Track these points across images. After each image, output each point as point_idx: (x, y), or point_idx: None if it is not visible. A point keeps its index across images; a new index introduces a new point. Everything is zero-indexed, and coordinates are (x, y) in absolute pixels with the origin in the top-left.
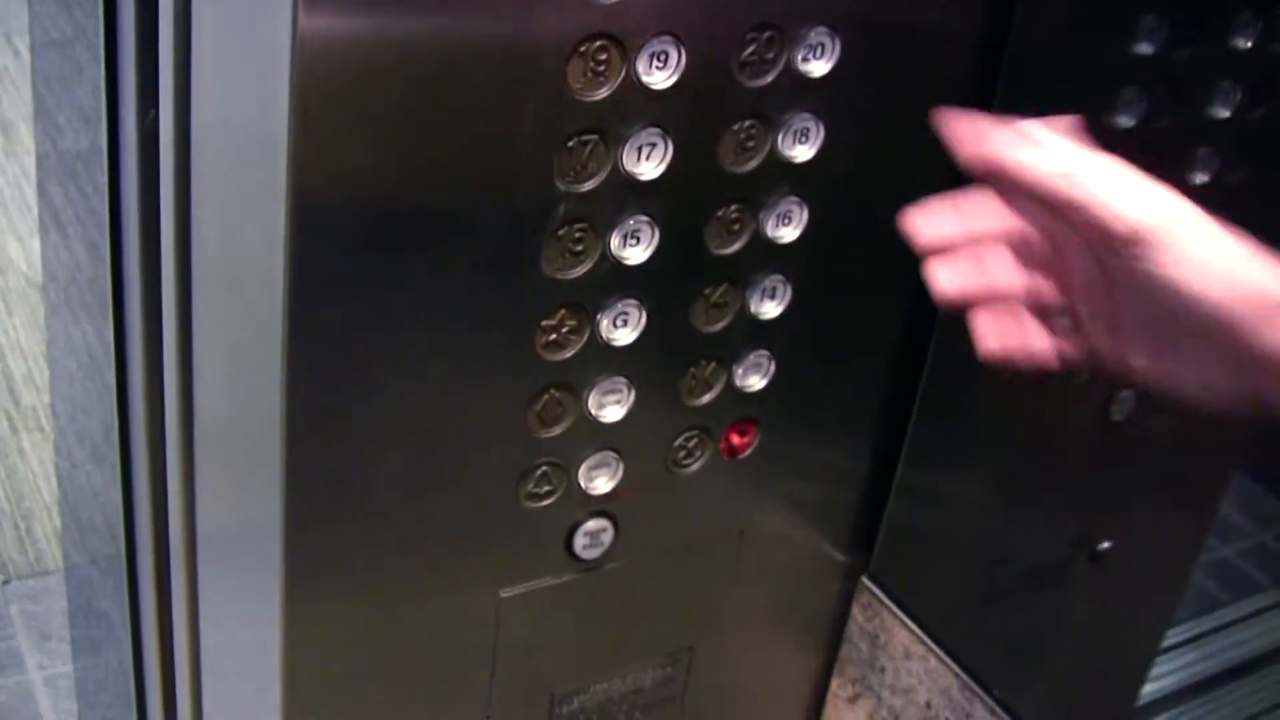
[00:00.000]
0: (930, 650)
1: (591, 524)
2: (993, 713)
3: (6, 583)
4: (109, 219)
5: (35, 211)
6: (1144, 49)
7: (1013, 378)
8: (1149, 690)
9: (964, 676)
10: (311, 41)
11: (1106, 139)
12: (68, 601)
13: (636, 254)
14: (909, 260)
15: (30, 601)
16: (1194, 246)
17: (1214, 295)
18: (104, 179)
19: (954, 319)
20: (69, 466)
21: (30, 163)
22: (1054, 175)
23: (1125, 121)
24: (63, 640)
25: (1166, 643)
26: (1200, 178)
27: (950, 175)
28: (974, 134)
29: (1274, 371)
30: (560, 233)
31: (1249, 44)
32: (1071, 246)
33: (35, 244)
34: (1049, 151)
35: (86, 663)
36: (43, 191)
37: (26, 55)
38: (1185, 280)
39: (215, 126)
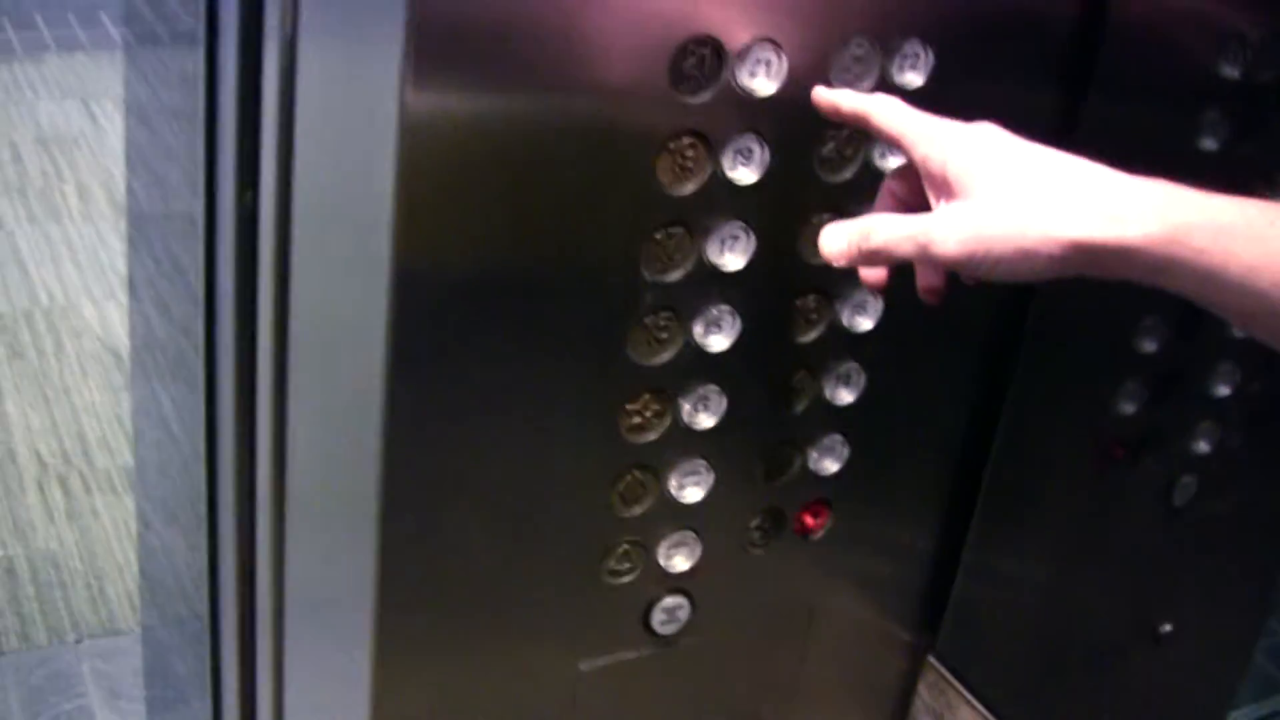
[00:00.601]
0: None
1: (669, 600)
2: None
3: (79, 642)
4: (204, 290)
5: (109, 276)
6: (1230, 72)
7: (1077, 462)
8: None
9: None
10: (416, 123)
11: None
12: (143, 661)
13: (718, 341)
14: (977, 353)
15: (102, 660)
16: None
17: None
18: (199, 251)
19: (1018, 409)
20: (148, 530)
21: (106, 227)
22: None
23: (1210, 144)
24: (133, 699)
25: None
26: None
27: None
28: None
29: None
30: (646, 320)
31: None
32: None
33: (110, 308)
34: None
35: None
36: (133, 258)
37: (104, 121)
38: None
39: (316, 204)
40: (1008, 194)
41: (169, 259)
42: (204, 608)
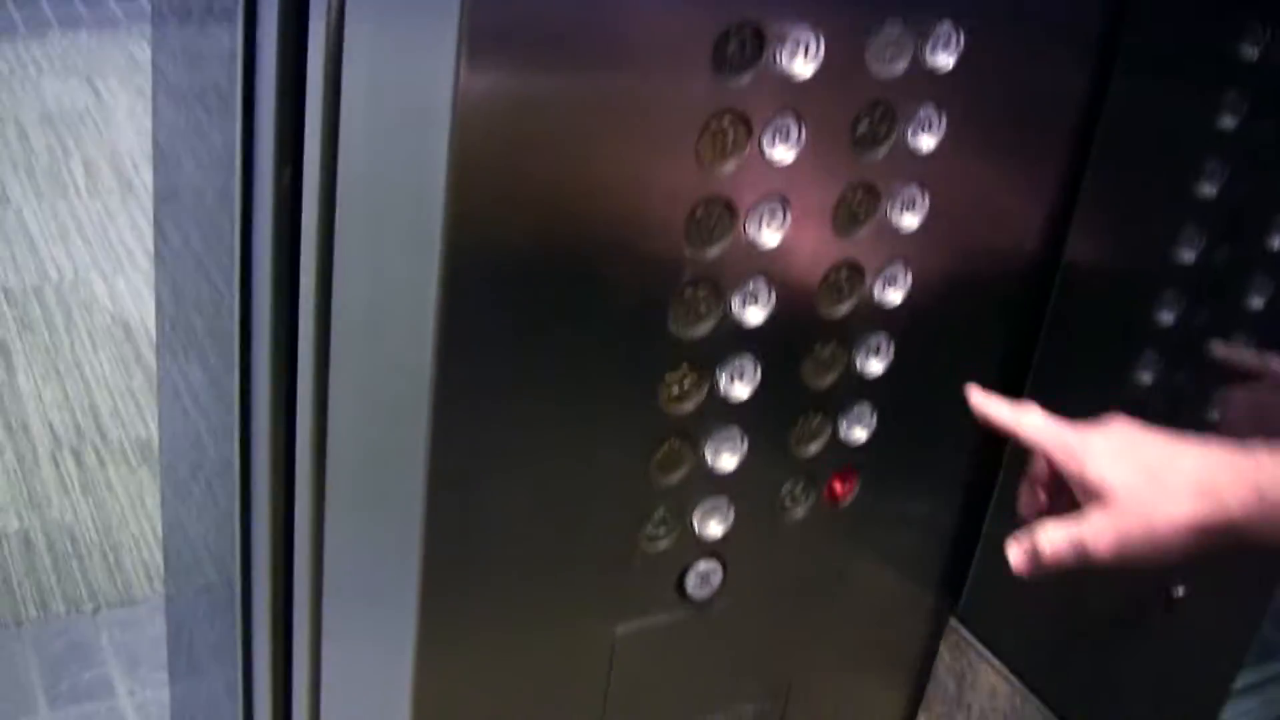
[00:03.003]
0: (1015, 688)
1: (703, 565)
2: None
3: (97, 611)
4: (239, 264)
5: (118, 250)
6: (1249, 53)
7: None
8: None
9: (1048, 713)
10: (470, 102)
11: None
12: (167, 629)
13: (754, 314)
14: (1002, 326)
15: (120, 630)
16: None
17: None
18: (235, 227)
19: (1042, 377)
20: (175, 500)
21: (113, 202)
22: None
23: (1228, 123)
24: (153, 667)
25: (1236, 686)
26: None
27: (1043, 233)
28: (985, 405)
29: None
30: (686, 294)
31: None
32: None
33: (119, 282)
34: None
35: (181, 690)
36: (160, 232)
37: (108, 97)
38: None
39: (363, 181)
40: (1136, 494)
41: (198, 233)
42: (236, 576)
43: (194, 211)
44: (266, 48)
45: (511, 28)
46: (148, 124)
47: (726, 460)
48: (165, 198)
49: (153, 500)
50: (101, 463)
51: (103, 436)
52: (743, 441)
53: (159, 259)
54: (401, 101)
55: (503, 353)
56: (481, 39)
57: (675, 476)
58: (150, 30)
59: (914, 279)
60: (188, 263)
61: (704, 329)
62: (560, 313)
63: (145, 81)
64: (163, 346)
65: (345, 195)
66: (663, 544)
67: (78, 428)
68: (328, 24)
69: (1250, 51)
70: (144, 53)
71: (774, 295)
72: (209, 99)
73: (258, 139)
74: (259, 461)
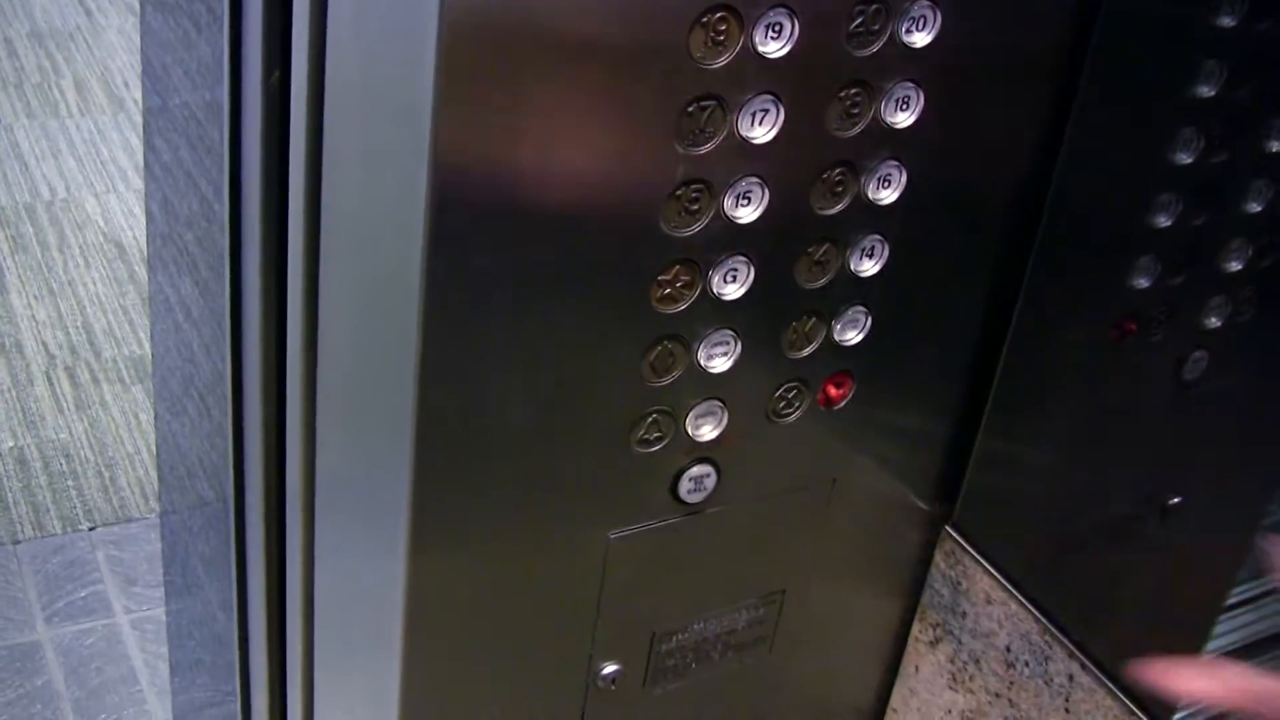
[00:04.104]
0: (1011, 595)
1: (696, 469)
2: (1070, 655)
3: (93, 529)
4: (229, 173)
5: (109, 169)
6: (1226, 21)
7: (1091, 337)
8: (1214, 646)
9: (1044, 620)
10: (456, 9)
11: (1192, 108)
12: (162, 546)
13: (747, 213)
14: (997, 226)
15: (115, 548)
16: None
17: None
18: (224, 136)
19: (1036, 285)
20: (168, 416)
21: (105, 121)
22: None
23: (1205, 91)
24: (148, 585)
25: (1229, 600)
26: None
27: (1038, 141)
28: (1168, 674)
29: None
30: (678, 193)
31: None
32: None
33: (112, 200)
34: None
35: (177, 606)
36: (150, 147)
37: (99, 16)
38: None
39: (352, 88)
40: None
41: (188, 147)
42: (229, 489)
43: (183, 125)
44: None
45: None
46: (138, 42)
47: (719, 363)
48: (154, 112)
49: (147, 418)
50: (95, 381)
51: (96, 354)
52: (735, 343)
53: (149, 174)
54: (389, 8)
55: (492, 253)
56: None
57: (668, 379)
58: None
59: (908, 178)
60: (177, 176)
61: (695, 228)
62: (550, 210)
63: None
64: (154, 261)
65: (334, 99)
66: (656, 448)
67: (71, 346)
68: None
69: (1228, 20)
70: None
71: (766, 194)
72: (197, 10)
73: (245, 47)
74: (250, 372)
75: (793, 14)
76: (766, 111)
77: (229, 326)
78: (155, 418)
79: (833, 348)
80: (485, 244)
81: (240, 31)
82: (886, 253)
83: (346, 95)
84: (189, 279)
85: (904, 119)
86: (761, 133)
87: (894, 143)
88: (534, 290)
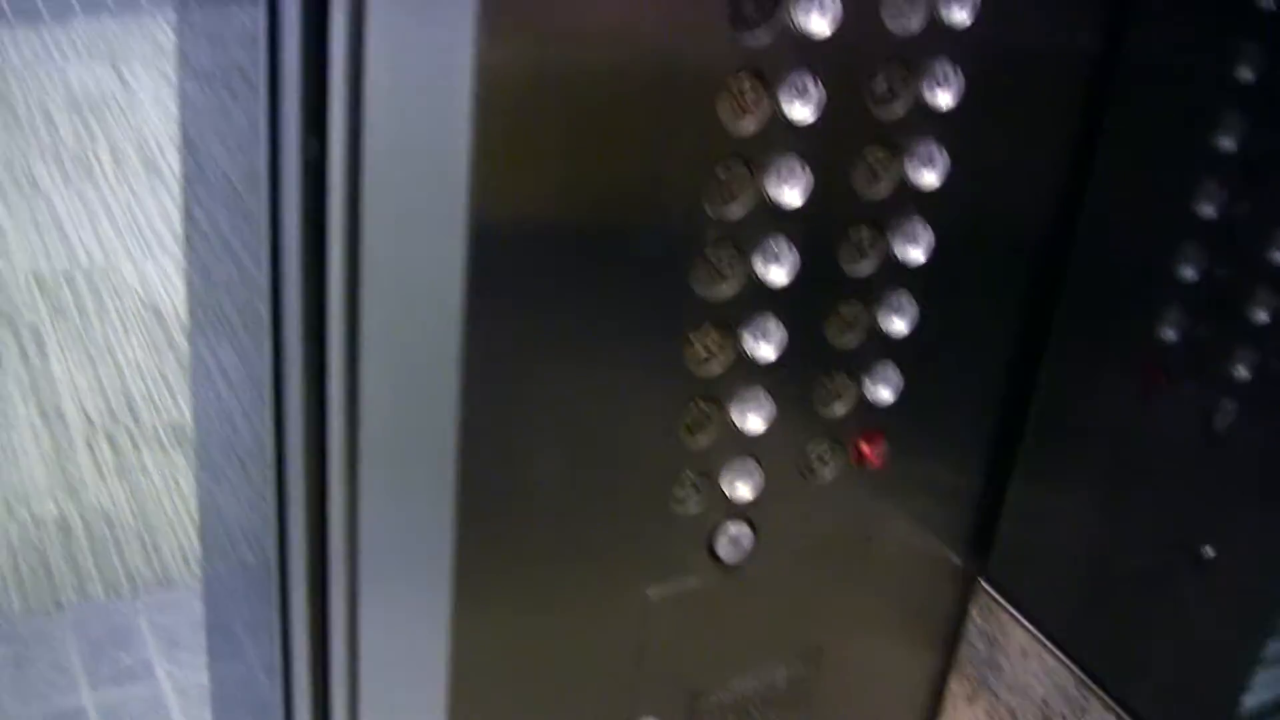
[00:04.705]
0: (1046, 648)
1: (733, 528)
2: (1107, 707)
3: (136, 595)
4: (268, 242)
5: (146, 235)
6: (1245, 75)
7: (1120, 389)
8: (1251, 701)
9: (1080, 673)
10: (490, 73)
11: (1213, 158)
12: (205, 611)
13: (777, 274)
14: (1023, 281)
15: (158, 613)
16: None
17: None
18: (262, 203)
19: (1064, 339)
20: (210, 481)
21: (140, 187)
22: None
23: (1227, 145)
24: (191, 650)
25: (1266, 653)
26: None
27: (1062, 195)
28: None
29: None
30: (709, 254)
31: None
32: None
33: (149, 267)
34: None
35: (220, 671)
36: (189, 215)
37: (133, 82)
38: None
39: (387, 152)
40: None
41: (227, 215)
42: (272, 554)
43: (222, 193)
44: (289, 27)
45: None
46: (172, 109)
47: (754, 422)
48: (192, 181)
49: (187, 483)
50: (136, 446)
51: (136, 420)
52: (769, 402)
53: (188, 242)
54: (423, 70)
55: (529, 318)
56: (498, 7)
57: (703, 439)
58: (173, 14)
59: (935, 236)
60: (216, 244)
61: (727, 289)
62: (585, 276)
63: (169, 66)
64: (194, 329)
65: (371, 166)
66: (693, 506)
67: (111, 412)
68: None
69: (1247, 75)
70: (167, 37)
71: (796, 255)
72: (234, 81)
73: (283, 116)
74: (292, 438)
75: (816, 77)
76: (794, 173)
77: (270, 392)
78: (197, 483)
79: (865, 405)
80: (522, 306)
81: (278, 100)
82: (915, 312)
83: (384, 161)
84: (229, 345)
85: (929, 178)
86: (789, 194)
87: (920, 201)
88: (570, 352)
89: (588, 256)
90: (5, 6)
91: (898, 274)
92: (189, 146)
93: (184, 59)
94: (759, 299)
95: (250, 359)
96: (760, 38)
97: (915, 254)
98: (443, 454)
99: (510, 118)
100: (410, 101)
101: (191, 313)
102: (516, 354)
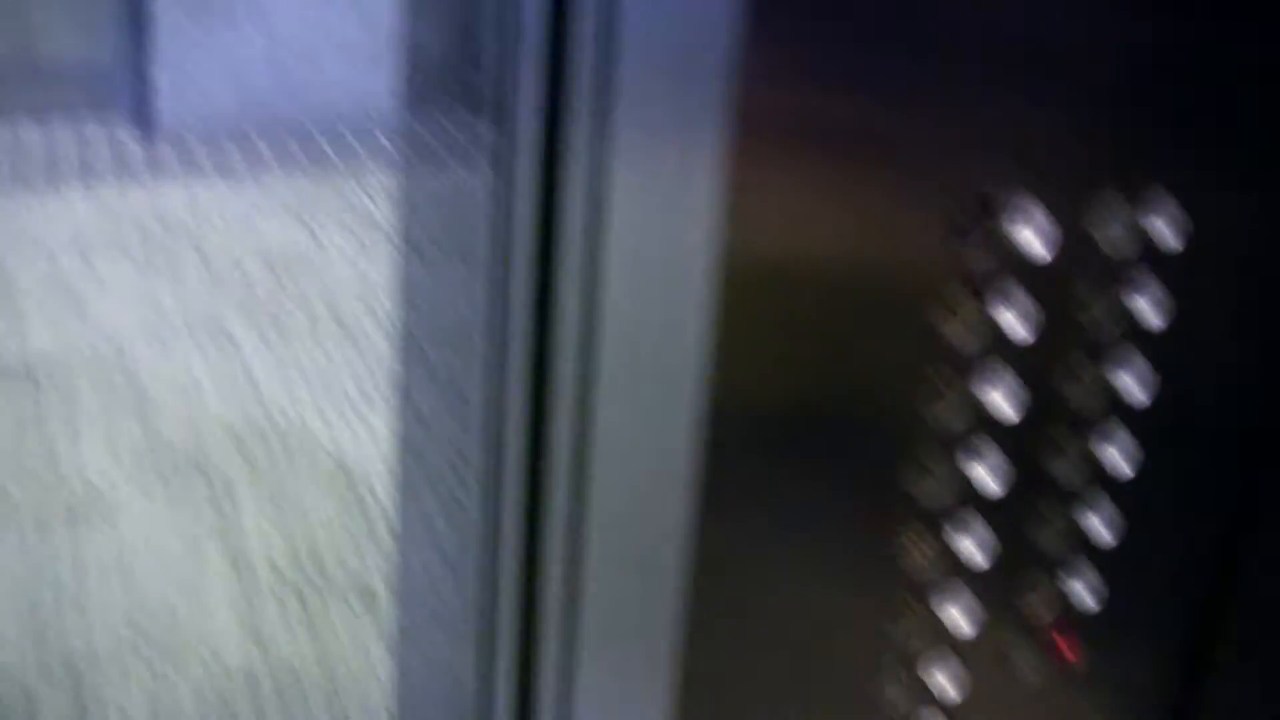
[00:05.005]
0: None
1: None
2: None
3: None
4: (486, 413)
5: (337, 393)
6: None
7: None
8: None
9: None
10: (729, 262)
11: None
12: None
13: (985, 479)
14: (1229, 488)
15: None
16: None
17: None
18: (479, 373)
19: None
20: (409, 644)
21: (332, 345)
22: None
23: None
24: None
25: None
26: None
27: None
28: None
29: None
30: (920, 455)
31: None
32: None
33: (340, 425)
34: None
35: None
36: (401, 379)
37: (325, 241)
38: None
39: (618, 336)
40: None
41: (442, 382)
42: None
43: (438, 357)
44: (522, 196)
45: (768, 194)
46: (363, 267)
47: (958, 618)
48: (407, 344)
49: (374, 642)
50: (324, 603)
51: (325, 577)
52: (976, 602)
53: (400, 405)
54: (660, 254)
55: (750, 509)
56: (742, 207)
57: (908, 632)
58: (368, 175)
59: (1136, 440)
60: (430, 409)
61: (937, 489)
62: (802, 467)
63: (359, 225)
64: (401, 488)
65: (605, 345)
66: (905, 709)
67: (300, 567)
68: (589, 168)
69: None
70: (358, 196)
71: (1004, 460)
72: (456, 252)
73: (511, 291)
74: (504, 612)
75: (1028, 289)
76: (1004, 381)
77: (481, 566)
78: (393, 644)
79: (1067, 607)
80: (744, 498)
81: (505, 272)
82: (1119, 523)
83: (616, 342)
84: (439, 508)
85: (1135, 391)
86: (1000, 401)
87: (1125, 412)
88: (787, 544)
89: (807, 452)
90: (203, 164)
91: (1102, 481)
92: (409, 318)
93: (404, 219)
94: (966, 500)
95: (459, 523)
96: (976, 250)
97: (1120, 463)
98: (663, 644)
99: (742, 311)
100: (647, 286)
101: (398, 473)
102: (735, 547)
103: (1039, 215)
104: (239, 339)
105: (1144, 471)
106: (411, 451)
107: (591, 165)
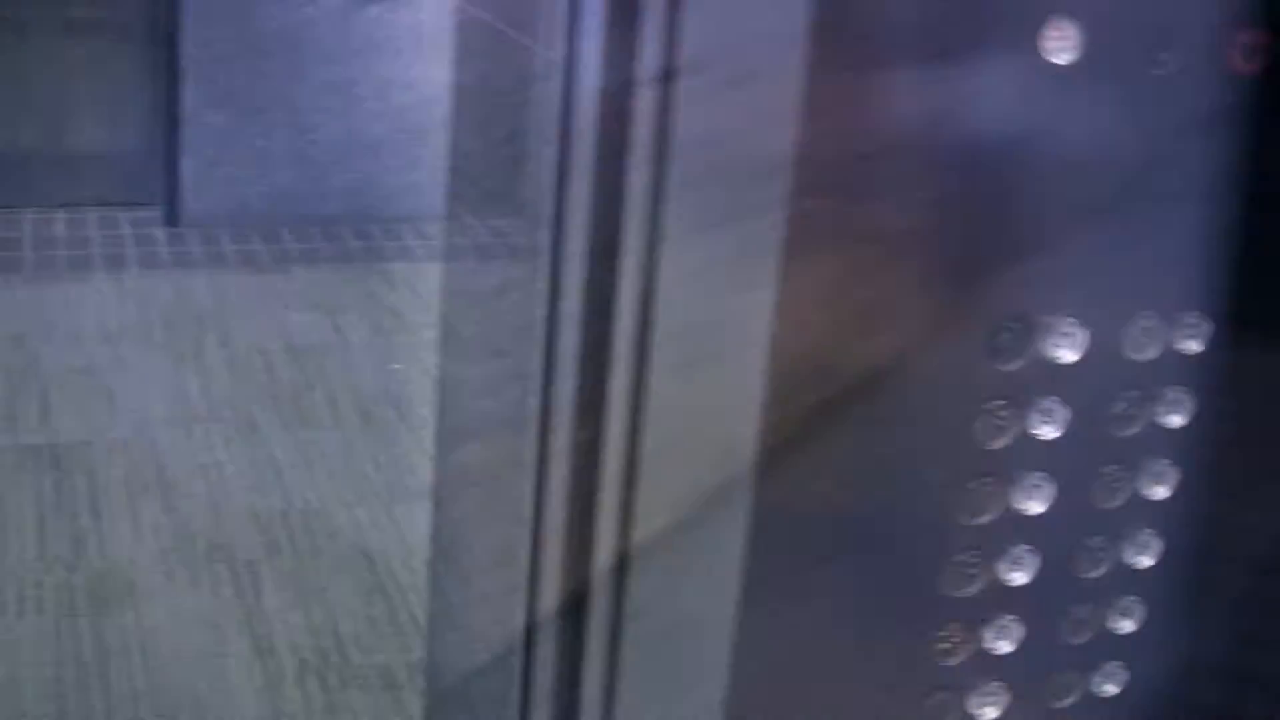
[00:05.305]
0: None
1: None
2: None
3: None
4: (532, 515)
5: (359, 482)
6: None
7: None
8: None
9: None
10: (779, 366)
11: None
12: None
13: (1019, 578)
14: (1249, 582)
15: None
16: None
17: None
18: (528, 484)
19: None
20: None
21: (354, 434)
22: None
23: None
24: None
25: None
26: None
27: None
28: None
29: None
30: (957, 559)
31: None
32: None
33: (361, 512)
34: None
35: None
36: (441, 471)
37: (349, 332)
38: None
39: (668, 438)
40: None
41: (485, 481)
42: None
43: (479, 453)
44: (570, 301)
45: (816, 305)
46: (386, 358)
47: (990, 712)
48: (447, 438)
49: None
50: (344, 686)
51: (345, 660)
52: (1006, 695)
53: (438, 498)
54: (712, 353)
55: (790, 604)
56: (791, 316)
57: None
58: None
59: (1165, 544)
60: (470, 506)
61: (973, 591)
62: (846, 572)
63: (383, 317)
64: (435, 579)
65: (650, 451)
66: None
67: (321, 651)
68: (641, 273)
69: None
70: (382, 288)
71: (1038, 561)
72: (507, 356)
73: (555, 395)
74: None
75: (1063, 401)
76: (1039, 487)
77: (520, 657)
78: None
79: (1092, 702)
80: (785, 593)
81: (550, 387)
82: (1145, 615)
83: (663, 449)
84: (468, 598)
85: (1160, 491)
86: (1034, 505)
87: (1150, 511)
88: (827, 642)
89: (850, 553)
90: (229, 255)
91: (1129, 580)
92: (446, 403)
93: (448, 315)
94: (1001, 600)
95: (499, 615)
96: (1014, 367)
97: (1146, 560)
98: None
99: (789, 417)
100: (694, 393)
101: (435, 565)
102: (777, 642)
103: (1079, 334)
104: (261, 427)
105: (1166, 564)
106: (448, 543)
107: (642, 266)
